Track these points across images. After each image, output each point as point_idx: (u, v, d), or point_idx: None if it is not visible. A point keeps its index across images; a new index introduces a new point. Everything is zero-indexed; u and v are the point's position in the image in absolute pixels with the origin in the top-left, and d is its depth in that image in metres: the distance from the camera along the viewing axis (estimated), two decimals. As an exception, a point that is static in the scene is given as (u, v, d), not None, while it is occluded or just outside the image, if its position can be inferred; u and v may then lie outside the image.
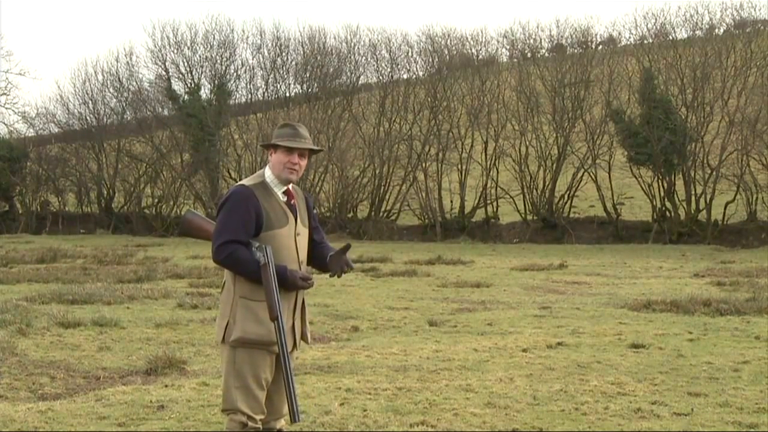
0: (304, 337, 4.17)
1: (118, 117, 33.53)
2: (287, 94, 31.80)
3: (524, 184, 27.67)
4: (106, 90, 33.56)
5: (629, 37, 29.98)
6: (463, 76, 29.67)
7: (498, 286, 13.93)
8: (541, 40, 30.05)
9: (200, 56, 31.55)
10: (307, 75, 31.44)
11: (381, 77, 30.87)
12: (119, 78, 33.26)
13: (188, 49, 31.62)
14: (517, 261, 18.55)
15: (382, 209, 29.22)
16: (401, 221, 29.08)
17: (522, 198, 27.63)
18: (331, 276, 4.16)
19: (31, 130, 35.70)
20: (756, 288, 12.66)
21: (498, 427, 5.36)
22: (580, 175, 27.07)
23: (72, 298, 11.12)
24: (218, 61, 31.46)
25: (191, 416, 5.58)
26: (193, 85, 31.33)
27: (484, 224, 27.96)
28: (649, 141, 25.42)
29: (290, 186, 4.10)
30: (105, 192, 33.13)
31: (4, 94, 35.43)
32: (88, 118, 33.81)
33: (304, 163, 4.08)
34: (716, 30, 27.79)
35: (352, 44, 31.18)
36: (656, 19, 28.35)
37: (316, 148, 4.17)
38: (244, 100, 32.18)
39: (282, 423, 4.12)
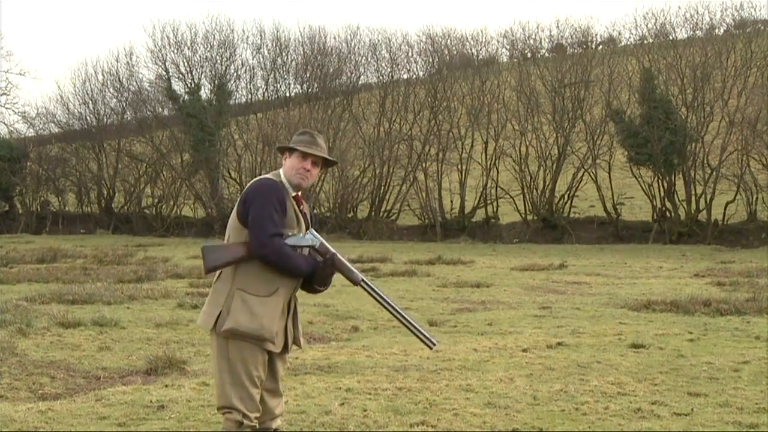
0: (296, 342, 4.17)
1: (118, 117, 33.55)
2: (287, 94, 31.83)
3: (524, 184, 27.67)
4: (106, 90, 33.62)
5: (629, 37, 30.06)
6: (463, 76, 29.68)
7: (498, 286, 13.93)
8: (541, 40, 30.10)
9: (200, 56, 31.61)
10: (307, 75, 31.46)
11: (381, 77, 30.91)
12: (119, 78, 33.31)
13: (188, 49, 31.67)
14: (517, 261, 18.55)
15: (382, 209, 29.22)
16: (401, 221, 29.08)
17: (522, 198, 27.63)
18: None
19: (31, 130, 35.77)
20: (756, 288, 12.66)
21: (498, 427, 5.35)
22: (580, 175, 27.07)
23: (72, 298, 11.12)
24: (218, 61, 31.50)
25: (191, 416, 5.58)
26: (193, 85, 31.34)
27: (484, 224, 27.97)
28: (649, 141, 25.42)
29: (299, 193, 4.13)
30: (105, 192, 33.14)
31: (4, 94, 35.47)
32: (88, 118, 33.86)
33: (316, 171, 4.11)
34: (716, 30, 27.81)
35: (352, 44, 31.23)
36: (656, 19, 28.41)
37: (331, 158, 4.20)
38: (244, 100, 32.21)
39: (278, 423, 4.12)
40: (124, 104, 33.49)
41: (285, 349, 4.10)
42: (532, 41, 30.08)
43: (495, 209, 28.24)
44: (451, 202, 28.99)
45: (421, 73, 30.63)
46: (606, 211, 26.58)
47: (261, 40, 32.03)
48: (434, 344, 4.16)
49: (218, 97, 30.97)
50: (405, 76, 30.70)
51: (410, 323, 4.12)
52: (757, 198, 24.71)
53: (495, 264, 18.10)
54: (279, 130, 28.84)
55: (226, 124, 30.99)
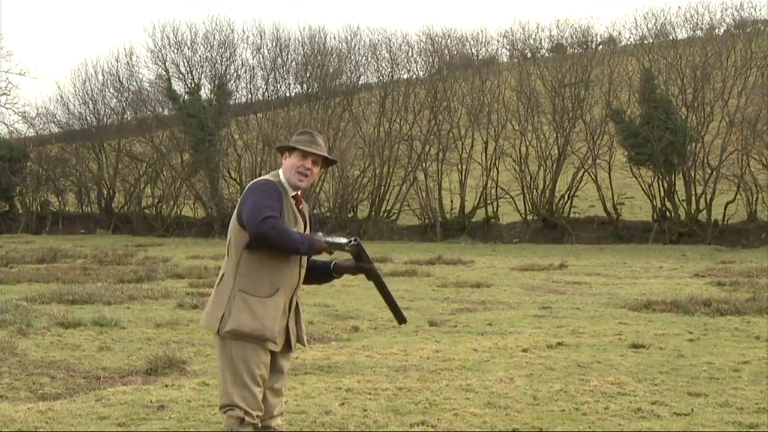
0: (300, 340, 4.19)
1: (118, 117, 33.55)
2: (287, 94, 31.83)
3: (524, 184, 27.68)
4: (107, 90, 33.64)
5: (629, 37, 30.08)
6: (463, 76, 29.69)
7: (498, 286, 13.92)
8: (541, 40, 30.12)
9: (200, 56, 31.62)
10: (307, 75, 31.46)
11: (381, 77, 30.93)
12: (119, 78, 33.33)
13: (188, 49, 31.69)
14: (517, 261, 18.55)
15: (382, 209, 29.23)
16: (401, 221, 29.08)
17: (522, 198, 27.64)
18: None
19: (32, 130, 35.79)
20: (756, 288, 12.66)
21: (498, 427, 5.35)
22: (580, 175, 27.07)
23: (72, 298, 11.12)
24: (218, 61, 31.50)
25: (191, 416, 5.58)
26: (193, 85, 31.35)
27: (484, 224, 27.97)
28: (649, 141, 25.42)
29: (299, 193, 4.14)
30: (105, 192, 33.14)
31: (5, 94, 35.48)
32: (88, 118, 33.87)
33: (316, 171, 4.13)
34: (716, 30, 27.83)
35: (352, 44, 31.24)
36: (656, 19, 28.44)
37: (330, 157, 4.22)
38: (244, 100, 32.21)
39: (278, 422, 4.13)
40: (124, 104, 33.54)
41: (288, 347, 4.13)
42: (532, 41, 30.14)
43: (495, 209, 28.24)
44: (451, 202, 28.99)
45: (421, 73, 30.68)
46: (606, 211, 26.58)
47: (261, 40, 32.08)
48: (405, 320, 4.57)
49: (218, 97, 30.98)
50: (405, 76, 30.76)
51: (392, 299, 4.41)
52: (757, 198, 24.72)
53: (495, 264, 18.10)
54: (279, 130, 28.84)
55: (226, 124, 30.99)
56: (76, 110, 34.14)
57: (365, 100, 31.03)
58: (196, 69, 31.50)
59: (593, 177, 26.89)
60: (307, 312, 10.02)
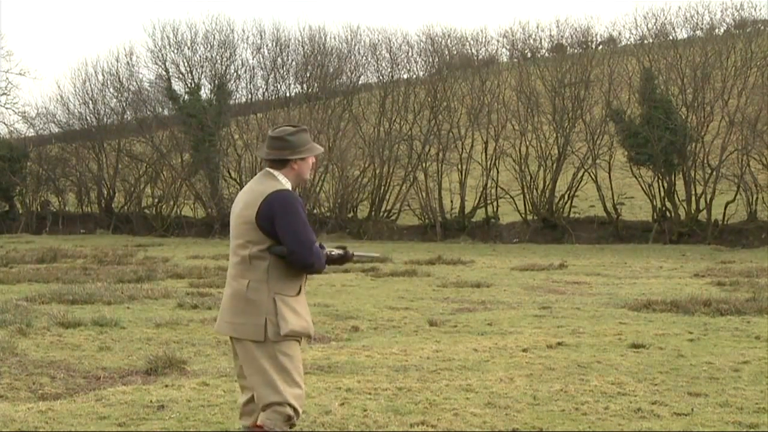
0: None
1: (118, 117, 33.52)
2: (287, 94, 31.80)
3: (524, 184, 27.66)
4: (106, 90, 33.58)
5: (629, 37, 29.98)
6: (463, 76, 29.66)
7: (498, 286, 13.92)
8: (541, 40, 30.05)
9: (200, 56, 31.58)
10: (308, 75, 31.44)
11: (381, 77, 30.88)
12: (119, 78, 33.28)
13: (188, 49, 31.65)
14: (517, 261, 18.55)
15: (382, 209, 29.22)
16: (401, 221, 29.08)
17: (522, 198, 27.63)
18: None
19: (31, 130, 35.73)
20: (756, 288, 12.65)
21: (498, 427, 5.36)
22: (580, 175, 27.06)
23: (72, 298, 11.12)
24: (218, 61, 31.47)
25: (191, 416, 5.58)
26: (193, 85, 31.33)
27: (484, 224, 27.96)
28: (649, 141, 25.42)
29: None
30: (105, 192, 33.12)
31: (5, 94, 35.45)
32: (88, 118, 33.81)
33: None
34: (716, 30, 27.78)
35: (353, 44, 31.20)
36: (656, 19, 28.34)
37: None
38: (244, 100, 32.18)
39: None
40: (124, 104, 33.49)
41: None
42: (532, 41, 30.08)
43: (495, 209, 28.23)
44: (451, 202, 28.99)
45: (421, 73, 30.64)
46: (606, 211, 26.58)
47: (261, 40, 32.03)
48: (377, 255, 4.68)
49: (218, 97, 30.96)
50: (405, 76, 30.69)
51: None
52: (757, 198, 24.71)
53: (495, 264, 18.10)
54: (279, 130, 28.76)
55: (226, 124, 30.98)
56: (76, 110, 34.13)
57: (365, 100, 31.00)
58: (196, 69, 31.50)
59: (593, 177, 26.88)
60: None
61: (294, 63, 31.77)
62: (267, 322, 3.96)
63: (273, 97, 31.53)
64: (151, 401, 5.92)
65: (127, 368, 7.28)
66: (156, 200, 32.35)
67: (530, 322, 9.78)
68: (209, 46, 31.53)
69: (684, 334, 8.81)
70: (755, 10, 28.26)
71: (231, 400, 5.93)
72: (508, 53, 31.10)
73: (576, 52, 29.09)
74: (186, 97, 31.24)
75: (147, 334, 8.84)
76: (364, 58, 31.26)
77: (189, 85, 31.39)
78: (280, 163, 4.13)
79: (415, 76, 30.60)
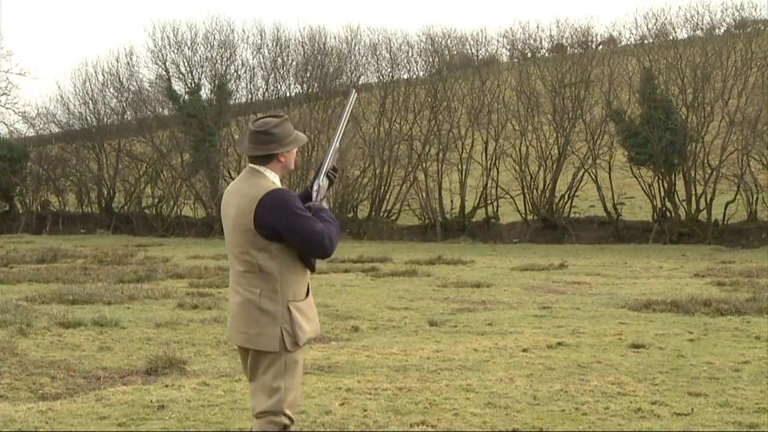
0: None
1: (118, 117, 33.53)
2: (287, 94, 31.80)
3: (524, 184, 27.67)
4: (107, 90, 33.58)
5: (629, 37, 29.95)
6: (463, 76, 29.65)
7: (498, 286, 13.92)
8: (541, 40, 30.04)
9: (200, 56, 31.56)
10: (308, 75, 31.43)
11: (381, 77, 30.87)
12: (119, 78, 33.27)
13: (188, 49, 31.64)
14: (517, 261, 18.55)
15: (383, 209, 29.22)
16: (401, 221, 29.08)
17: (522, 198, 27.63)
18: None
19: (32, 130, 35.74)
20: (756, 288, 12.65)
21: (498, 427, 5.35)
22: (580, 175, 27.06)
23: (72, 298, 11.12)
24: (218, 61, 31.46)
25: (191, 416, 5.58)
26: (193, 85, 31.33)
27: (485, 224, 27.96)
28: (649, 141, 25.42)
29: None
30: (105, 192, 33.13)
31: (5, 94, 35.48)
32: (88, 118, 33.81)
33: None
34: (716, 30, 27.76)
35: (353, 44, 31.18)
36: (656, 19, 28.33)
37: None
38: (244, 100, 32.16)
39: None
40: (125, 104, 33.48)
41: None
42: (532, 41, 30.07)
43: (495, 209, 28.24)
44: (452, 202, 28.99)
45: (421, 73, 30.63)
46: (606, 211, 26.58)
47: (261, 40, 32.01)
48: (353, 91, 4.44)
49: (218, 97, 30.96)
50: (405, 76, 30.69)
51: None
52: (757, 198, 24.71)
53: (495, 264, 18.09)
54: (279, 130, 28.77)
55: (226, 124, 30.97)
56: (76, 110, 34.13)
57: (365, 100, 30.98)
58: (196, 69, 31.49)
59: (593, 177, 26.88)
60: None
61: (294, 63, 31.78)
62: (283, 333, 3.82)
63: (273, 97, 31.51)
64: (151, 401, 5.92)
65: (127, 368, 7.28)
66: (156, 200, 32.36)
67: (530, 322, 9.78)
68: (209, 46, 31.56)
69: (684, 334, 8.81)
70: (755, 10, 28.19)
71: (231, 400, 5.94)
72: (508, 53, 31.14)
73: (576, 52, 29.08)
74: (186, 97, 31.24)
75: (147, 334, 8.84)
76: (364, 58, 31.28)
77: (189, 85, 31.40)
78: (266, 158, 3.95)
79: (415, 76, 30.62)
